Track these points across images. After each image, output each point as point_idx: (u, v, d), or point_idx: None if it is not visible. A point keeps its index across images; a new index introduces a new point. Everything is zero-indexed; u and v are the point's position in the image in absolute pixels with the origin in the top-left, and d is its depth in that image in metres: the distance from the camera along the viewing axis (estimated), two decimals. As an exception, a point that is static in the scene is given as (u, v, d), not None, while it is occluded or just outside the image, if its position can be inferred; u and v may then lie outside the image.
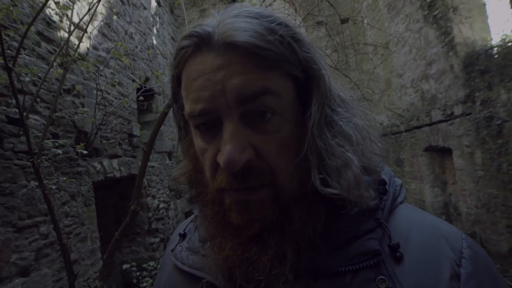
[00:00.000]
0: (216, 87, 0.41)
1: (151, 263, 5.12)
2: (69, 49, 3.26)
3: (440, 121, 5.61)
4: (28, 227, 2.84)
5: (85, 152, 3.08)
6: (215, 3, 9.22)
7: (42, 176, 2.46)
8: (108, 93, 4.65)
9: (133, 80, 5.17)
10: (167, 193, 6.61)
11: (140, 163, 4.79)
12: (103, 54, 4.56)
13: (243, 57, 0.41)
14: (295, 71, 0.43)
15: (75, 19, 3.70)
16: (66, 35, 3.66)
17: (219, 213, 0.46)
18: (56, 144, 2.92)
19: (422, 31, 5.87)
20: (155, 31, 7.37)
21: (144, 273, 4.94)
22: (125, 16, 5.63)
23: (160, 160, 6.80)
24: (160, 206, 6.09)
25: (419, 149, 6.46)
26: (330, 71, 0.49)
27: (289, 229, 0.44)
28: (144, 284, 4.79)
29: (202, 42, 0.43)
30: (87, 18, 3.49)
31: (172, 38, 8.87)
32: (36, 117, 3.12)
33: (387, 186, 0.50)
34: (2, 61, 2.55)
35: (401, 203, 0.51)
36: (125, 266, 5.00)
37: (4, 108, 2.77)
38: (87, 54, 4.11)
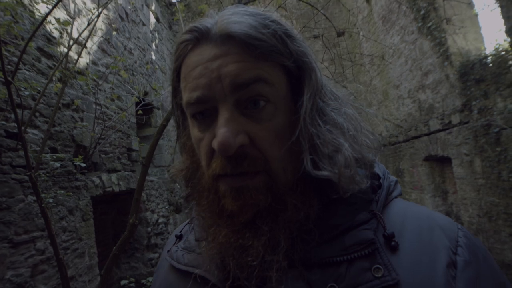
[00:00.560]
0: (213, 75, 0.43)
1: (150, 279, 5.02)
2: (68, 64, 3.30)
3: (439, 130, 5.63)
4: (25, 242, 2.80)
5: (83, 164, 3.07)
6: (213, 19, 9.39)
7: (40, 190, 2.45)
8: (107, 108, 4.68)
9: (132, 94, 5.21)
10: (166, 207, 6.55)
11: (139, 178, 4.76)
12: (103, 69, 4.61)
13: (239, 47, 0.43)
14: (287, 62, 0.45)
15: (75, 35, 3.76)
16: (66, 50, 3.72)
17: (214, 201, 0.47)
18: (54, 157, 2.91)
19: (417, 42, 5.97)
20: (154, 46, 7.48)
21: (143, 289, 4.84)
22: (124, 32, 5.73)
23: (159, 174, 6.77)
24: (159, 220, 6.03)
25: (419, 159, 6.45)
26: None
27: (282, 216, 0.44)
28: (143, 301, 4.69)
29: (201, 36, 0.46)
30: (86, 33, 3.54)
31: (171, 54, 8.99)
32: (35, 131, 3.12)
33: (381, 180, 0.51)
34: (0, 76, 2.58)
35: (396, 198, 0.52)
36: (123, 282, 4.90)
37: (3, 122, 2.78)
38: (86, 69, 4.16)
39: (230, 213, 0.45)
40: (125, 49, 5.51)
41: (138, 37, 6.49)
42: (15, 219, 2.71)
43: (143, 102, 4.80)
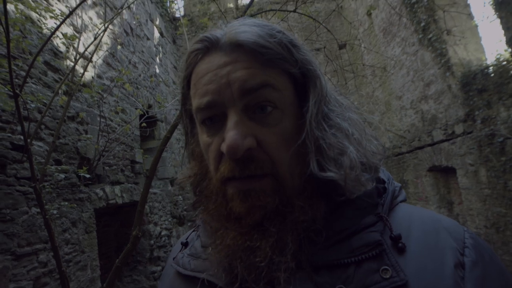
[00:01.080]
0: (222, 81, 0.45)
1: (153, 293, 4.96)
2: (74, 78, 3.35)
3: (442, 141, 5.61)
4: (27, 254, 2.79)
5: (87, 176, 3.08)
6: (216, 33, 9.56)
7: (44, 202, 2.45)
8: (112, 120, 4.72)
9: (136, 108, 5.26)
10: (169, 220, 6.52)
11: (142, 190, 4.76)
12: (107, 82, 4.68)
13: (247, 55, 0.46)
14: (292, 69, 0.47)
15: (81, 49, 3.84)
16: (72, 64, 3.79)
17: (222, 205, 0.47)
18: (59, 169, 2.93)
19: (418, 53, 6.02)
20: (158, 60, 7.60)
21: (145, 304, 4.77)
22: (129, 46, 5.84)
23: (162, 186, 6.77)
24: (162, 233, 5.99)
25: (423, 169, 6.41)
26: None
27: (289, 218, 0.44)
28: (145, 316, 4.61)
29: (211, 45, 0.48)
30: (92, 48, 3.62)
31: (175, 67, 9.12)
32: (40, 143, 3.15)
33: (386, 185, 0.52)
34: (8, 89, 2.63)
35: (401, 202, 0.52)
36: (125, 296, 4.84)
37: (9, 134, 2.81)
38: (91, 82, 4.22)
39: (238, 215, 0.46)
40: (129, 62, 5.60)
41: (143, 51, 6.61)
42: (18, 231, 2.71)
43: (147, 115, 4.85)
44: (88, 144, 3.92)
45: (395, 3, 6.45)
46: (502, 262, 0.44)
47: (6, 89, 2.59)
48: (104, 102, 4.32)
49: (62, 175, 2.87)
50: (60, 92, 3.26)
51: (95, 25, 4.57)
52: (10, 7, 2.78)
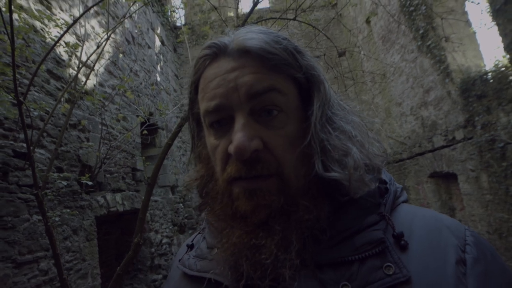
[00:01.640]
0: (230, 85, 0.47)
1: (153, 302, 4.91)
2: (77, 86, 3.38)
3: (443, 147, 5.61)
4: (28, 262, 2.78)
5: (90, 183, 3.09)
6: (217, 41, 9.66)
7: (46, 209, 2.45)
8: (113, 128, 4.75)
9: (137, 115, 5.29)
10: (170, 228, 6.49)
11: (143, 197, 4.75)
12: (109, 90, 4.72)
13: (254, 61, 0.47)
14: (297, 74, 0.49)
15: (83, 58, 3.88)
16: (74, 72, 3.82)
17: (227, 204, 0.49)
18: (61, 175, 2.94)
19: (417, 60, 6.06)
20: (159, 68, 7.66)
21: (146, 313, 4.72)
22: (130, 54, 5.89)
23: (163, 194, 6.76)
24: (163, 241, 5.96)
25: (424, 175, 6.40)
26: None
27: (294, 216, 0.45)
28: (146, 325, 4.56)
29: (219, 51, 0.50)
30: (94, 56, 3.65)
31: (176, 75, 9.19)
32: (42, 151, 3.17)
33: (388, 185, 0.53)
34: (11, 97, 2.65)
35: (403, 203, 0.53)
36: (126, 305, 4.79)
37: (12, 142, 2.83)
38: (93, 90, 4.25)
39: (243, 214, 0.47)
40: (131, 71, 5.65)
41: (144, 59, 6.67)
42: (19, 239, 2.71)
43: (148, 123, 4.87)
44: (89, 152, 3.93)
45: (393, 11, 6.52)
46: None
47: (9, 97, 2.61)
48: (106, 110, 4.34)
49: (64, 183, 2.88)
50: (62, 100, 3.29)
51: (97, 34, 4.62)
52: (14, 15, 2.82)
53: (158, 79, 7.50)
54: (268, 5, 9.63)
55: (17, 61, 2.85)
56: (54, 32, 3.54)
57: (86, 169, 3.83)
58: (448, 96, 5.27)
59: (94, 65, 3.32)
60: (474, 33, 5.26)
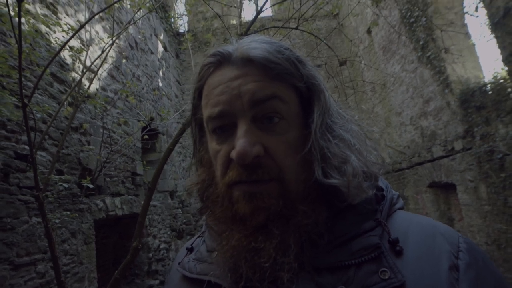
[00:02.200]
0: (233, 92, 0.48)
1: (150, 308, 4.87)
2: (80, 90, 3.42)
3: (442, 157, 5.63)
4: (26, 264, 2.77)
5: (91, 186, 3.10)
6: (219, 48, 9.75)
7: (46, 211, 2.46)
8: (114, 132, 4.77)
9: (139, 120, 5.32)
10: (168, 233, 6.47)
11: (142, 202, 4.74)
12: (111, 95, 4.75)
13: (257, 69, 0.49)
14: (298, 84, 0.51)
15: (87, 62, 3.92)
16: (77, 76, 3.86)
17: (228, 208, 0.50)
18: (63, 178, 2.95)
19: (417, 71, 6.12)
20: (161, 74, 7.72)
21: (142, 318, 4.68)
22: (133, 59, 5.95)
23: (162, 199, 6.75)
24: (161, 246, 5.93)
25: (423, 185, 6.40)
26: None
27: (292, 221, 0.47)
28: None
29: (223, 59, 0.52)
30: (98, 61, 3.70)
31: (177, 81, 9.25)
32: (43, 153, 3.19)
33: (384, 192, 0.55)
34: (15, 100, 2.68)
35: (399, 210, 0.55)
36: (122, 311, 4.75)
37: (14, 144, 2.85)
38: (96, 94, 4.29)
39: (243, 216, 0.48)
40: (133, 76, 5.69)
41: (146, 65, 6.73)
42: (18, 241, 2.71)
43: (149, 127, 4.89)
44: (90, 155, 3.95)
45: (394, 21, 6.60)
46: (504, 279, 0.46)
47: (13, 99, 2.64)
48: (107, 114, 4.38)
49: (66, 185, 2.89)
50: (65, 103, 3.32)
51: (101, 39, 4.68)
52: (22, 20, 2.87)
53: (160, 84, 7.56)
54: (270, 14, 9.74)
55: (22, 64, 2.89)
56: (59, 36, 3.58)
57: (86, 173, 3.84)
58: (447, 107, 5.31)
59: (98, 70, 3.35)
60: (474, 45, 5.33)
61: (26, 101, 1.89)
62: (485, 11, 4.14)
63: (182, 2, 7.00)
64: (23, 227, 2.78)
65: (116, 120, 4.79)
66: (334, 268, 0.44)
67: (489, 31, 4.14)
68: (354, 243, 0.46)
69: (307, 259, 0.45)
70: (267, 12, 10.15)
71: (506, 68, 3.87)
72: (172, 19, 8.81)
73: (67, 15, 3.94)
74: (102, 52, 3.12)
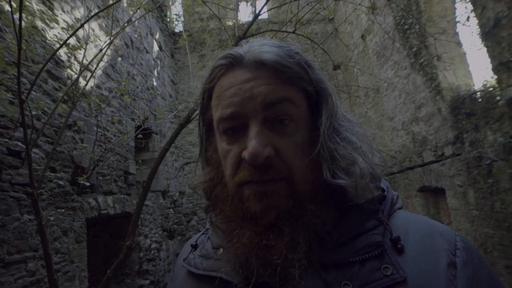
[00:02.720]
0: (246, 94, 0.50)
1: (140, 308, 4.83)
2: (76, 88, 3.39)
3: (432, 162, 5.73)
4: (16, 262, 2.74)
5: (87, 183, 3.08)
6: (214, 49, 9.77)
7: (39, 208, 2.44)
8: (108, 130, 4.74)
9: (133, 119, 5.29)
10: (160, 233, 6.43)
11: (135, 201, 4.72)
12: (106, 93, 4.72)
13: (269, 73, 0.51)
14: (308, 87, 0.53)
15: (84, 60, 3.90)
16: (72, 73, 3.83)
17: (238, 207, 0.52)
18: (58, 175, 2.93)
19: (410, 77, 6.23)
20: (155, 73, 7.69)
21: (132, 319, 4.64)
22: (128, 58, 5.92)
23: (154, 199, 6.71)
24: (152, 246, 5.90)
25: (413, 189, 6.51)
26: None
27: (301, 220, 0.49)
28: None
29: (235, 62, 0.53)
30: (94, 59, 3.68)
31: (172, 81, 9.22)
32: (36, 150, 3.16)
33: (385, 193, 0.58)
34: (10, 95, 2.66)
35: (398, 209, 0.58)
36: (111, 311, 4.71)
37: (6, 140, 2.82)
38: (90, 92, 4.26)
39: (253, 215, 0.49)
40: (128, 74, 5.67)
41: (141, 64, 6.70)
42: (9, 238, 2.68)
43: (143, 127, 4.87)
44: (83, 153, 3.92)
45: (388, 28, 6.71)
46: (497, 277, 0.50)
47: (8, 95, 2.62)
48: (102, 112, 4.35)
49: (61, 182, 2.87)
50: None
51: (97, 37, 4.65)
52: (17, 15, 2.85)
53: (155, 83, 7.53)
54: (267, 16, 9.79)
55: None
56: (55, 32, 3.56)
57: (79, 170, 3.81)
58: (438, 113, 5.42)
59: (95, 69, 3.34)
60: (465, 53, 5.45)
61: (23, 97, 1.88)
62: (476, 21, 4.25)
63: (179, 3, 6.99)
64: (14, 224, 2.75)
65: (110, 119, 4.76)
66: (339, 264, 0.47)
67: (480, 41, 4.25)
68: (358, 241, 0.48)
69: (314, 256, 0.47)
70: (263, 14, 10.21)
71: (496, 77, 3.97)
72: (168, 19, 8.79)
73: (63, 11, 3.91)
74: (100, 50, 3.11)
